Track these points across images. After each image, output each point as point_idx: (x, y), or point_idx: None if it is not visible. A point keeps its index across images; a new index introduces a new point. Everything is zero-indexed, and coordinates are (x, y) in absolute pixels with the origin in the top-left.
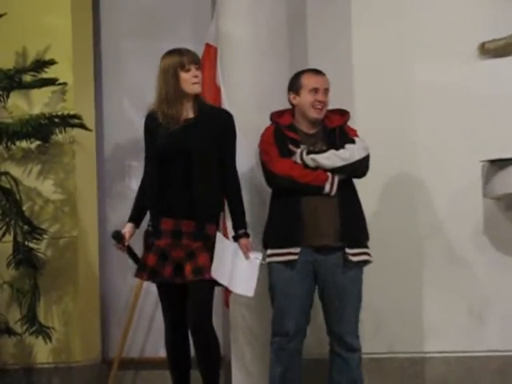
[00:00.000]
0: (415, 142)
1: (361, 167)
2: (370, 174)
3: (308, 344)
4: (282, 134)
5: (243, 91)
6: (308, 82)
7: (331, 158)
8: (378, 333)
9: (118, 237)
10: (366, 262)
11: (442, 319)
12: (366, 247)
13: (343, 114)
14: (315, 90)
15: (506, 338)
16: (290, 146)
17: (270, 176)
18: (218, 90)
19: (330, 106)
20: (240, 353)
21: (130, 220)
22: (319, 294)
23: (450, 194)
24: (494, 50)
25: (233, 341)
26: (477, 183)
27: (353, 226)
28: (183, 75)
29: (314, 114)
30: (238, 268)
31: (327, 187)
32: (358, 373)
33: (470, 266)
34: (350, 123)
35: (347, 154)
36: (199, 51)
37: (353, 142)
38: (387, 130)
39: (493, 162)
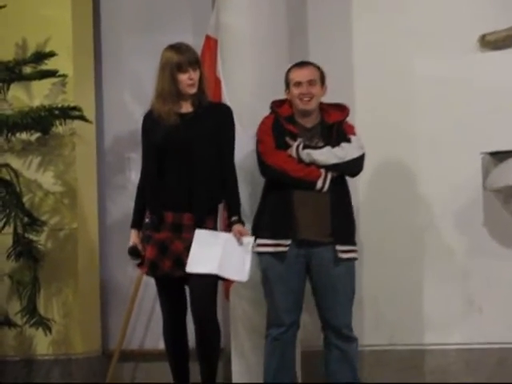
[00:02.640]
0: (415, 134)
1: (355, 166)
2: (370, 166)
3: (303, 336)
4: (280, 125)
5: (243, 83)
6: (292, 76)
7: (326, 155)
8: (377, 325)
9: (135, 252)
10: (354, 259)
11: (441, 311)
12: (355, 244)
13: (343, 109)
14: (298, 84)
15: (505, 330)
16: (287, 139)
17: (263, 167)
18: (218, 82)
19: (330, 99)
20: (240, 345)
21: (134, 226)
22: (312, 288)
23: (450, 186)
24: (495, 42)
25: (233, 333)
26: (477, 175)
27: (343, 224)
28: (180, 76)
29: (300, 106)
30: (230, 255)
31: (319, 183)
32: (356, 362)
33: (470, 258)
34: (350, 116)
35: (342, 153)
36: (199, 43)
37: (349, 141)
38: (387, 122)
39: (493, 154)
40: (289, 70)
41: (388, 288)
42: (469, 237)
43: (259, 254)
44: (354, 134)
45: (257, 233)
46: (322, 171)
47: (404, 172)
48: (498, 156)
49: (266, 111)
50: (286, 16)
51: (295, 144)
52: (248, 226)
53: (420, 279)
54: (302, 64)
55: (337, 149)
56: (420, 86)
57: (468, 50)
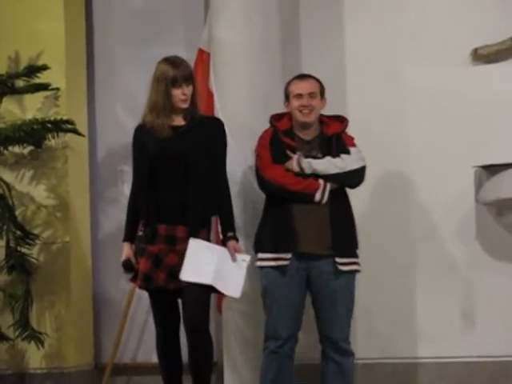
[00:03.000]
0: (408, 146)
1: (355, 177)
2: None
3: (299, 349)
4: (279, 139)
5: (236, 96)
6: (293, 88)
7: (326, 164)
8: (370, 338)
9: (129, 266)
10: (355, 272)
11: (434, 324)
12: (356, 257)
13: (341, 121)
14: (299, 96)
15: (498, 344)
16: (288, 152)
17: (261, 181)
18: (210, 95)
19: (322, 110)
20: (232, 358)
21: (126, 239)
22: (312, 301)
23: (443, 199)
24: (487, 55)
25: (225, 346)
26: (469, 188)
27: (343, 236)
28: (173, 91)
29: (300, 118)
30: (224, 270)
31: (318, 196)
32: (351, 376)
33: (463, 271)
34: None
35: (342, 163)
36: (192, 56)
37: (348, 152)
38: (380, 134)
39: (485, 167)
40: (289, 83)
41: (381, 300)
42: (462, 250)
43: (261, 267)
44: (353, 145)
45: (259, 247)
46: (321, 183)
47: (396, 184)
48: (491, 169)
49: (259, 124)
50: (279, 28)
51: (295, 156)
52: (241, 240)
53: (413, 292)
54: (303, 76)
55: (337, 159)
56: (413, 98)
57: (460, 64)
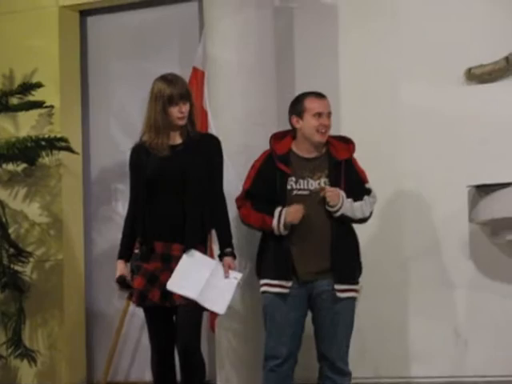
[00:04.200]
0: (401, 164)
1: (366, 220)
2: None
3: (297, 369)
4: (273, 164)
5: (230, 114)
6: (312, 106)
7: (358, 210)
8: (363, 357)
9: (124, 283)
10: (353, 298)
11: (427, 344)
12: (355, 284)
13: (347, 142)
14: (319, 115)
15: (491, 363)
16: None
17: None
18: (204, 114)
19: None
20: (226, 377)
21: (120, 257)
22: (312, 320)
23: (437, 219)
24: (481, 75)
25: (218, 365)
26: (463, 208)
27: (343, 262)
28: (170, 109)
29: (318, 138)
30: (214, 285)
31: (275, 228)
32: None
33: (456, 291)
34: None
35: (366, 210)
36: (186, 75)
37: (367, 192)
38: (372, 152)
39: (479, 187)
40: (304, 98)
41: (373, 320)
42: (455, 269)
43: (262, 292)
44: (367, 181)
45: (260, 272)
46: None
47: (390, 203)
48: (484, 189)
49: (253, 142)
50: (273, 46)
51: (275, 218)
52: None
53: (405, 311)
54: (321, 95)
55: (363, 206)
56: (406, 115)
57: (454, 83)
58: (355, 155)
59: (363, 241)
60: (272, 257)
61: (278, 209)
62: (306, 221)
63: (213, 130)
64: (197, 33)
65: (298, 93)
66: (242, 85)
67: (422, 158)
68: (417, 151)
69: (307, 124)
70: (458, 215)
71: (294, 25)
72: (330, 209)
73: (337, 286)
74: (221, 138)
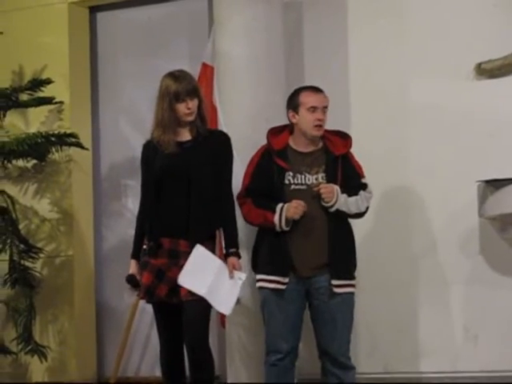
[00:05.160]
0: (411, 160)
1: (362, 215)
2: None
3: (299, 364)
4: (270, 159)
5: (240, 110)
6: (307, 100)
7: (353, 205)
8: (373, 353)
9: (133, 281)
10: (351, 294)
11: (437, 339)
12: (352, 279)
13: (344, 137)
14: (314, 109)
15: (501, 359)
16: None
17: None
18: (214, 110)
19: (327, 124)
20: (236, 373)
21: (133, 256)
22: (311, 316)
23: (446, 214)
24: (491, 70)
25: (228, 361)
26: (473, 203)
27: (340, 257)
28: (177, 105)
29: (313, 132)
30: (220, 285)
31: (277, 224)
32: None
33: (466, 286)
34: None
35: (362, 205)
36: (196, 70)
37: (363, 187)
38: (383, 148)
39: (488, 182)
40: (299, 92)
41: (383, 315)
42: (465, 265)
43: (258, 287)
44: (364, 176)
45: (255, 267)
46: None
47: (399, 199)
48: (494, 184)
49: (262, 137)
50: (282, 42)
51: (277, 214)
52: (243, 254)
53: (415, 307)
54: (317, 89)
55: (359, 200)
56: (416, 112)
57: (464, 78)
58: (355, 151)
59: (372, 237)
60: (269, 251)
61: (280, 205)
62: (303, 216)
63: (222, 125)
64: (206, 28)
65: None
66: (252, 80)
67: (432, 154)
68: (427, 147)
69: (302, 118)
70: (468, 210)
71: (303, 20)
72: (325, 204)
73: (334, 282)
74: (230, 134)
